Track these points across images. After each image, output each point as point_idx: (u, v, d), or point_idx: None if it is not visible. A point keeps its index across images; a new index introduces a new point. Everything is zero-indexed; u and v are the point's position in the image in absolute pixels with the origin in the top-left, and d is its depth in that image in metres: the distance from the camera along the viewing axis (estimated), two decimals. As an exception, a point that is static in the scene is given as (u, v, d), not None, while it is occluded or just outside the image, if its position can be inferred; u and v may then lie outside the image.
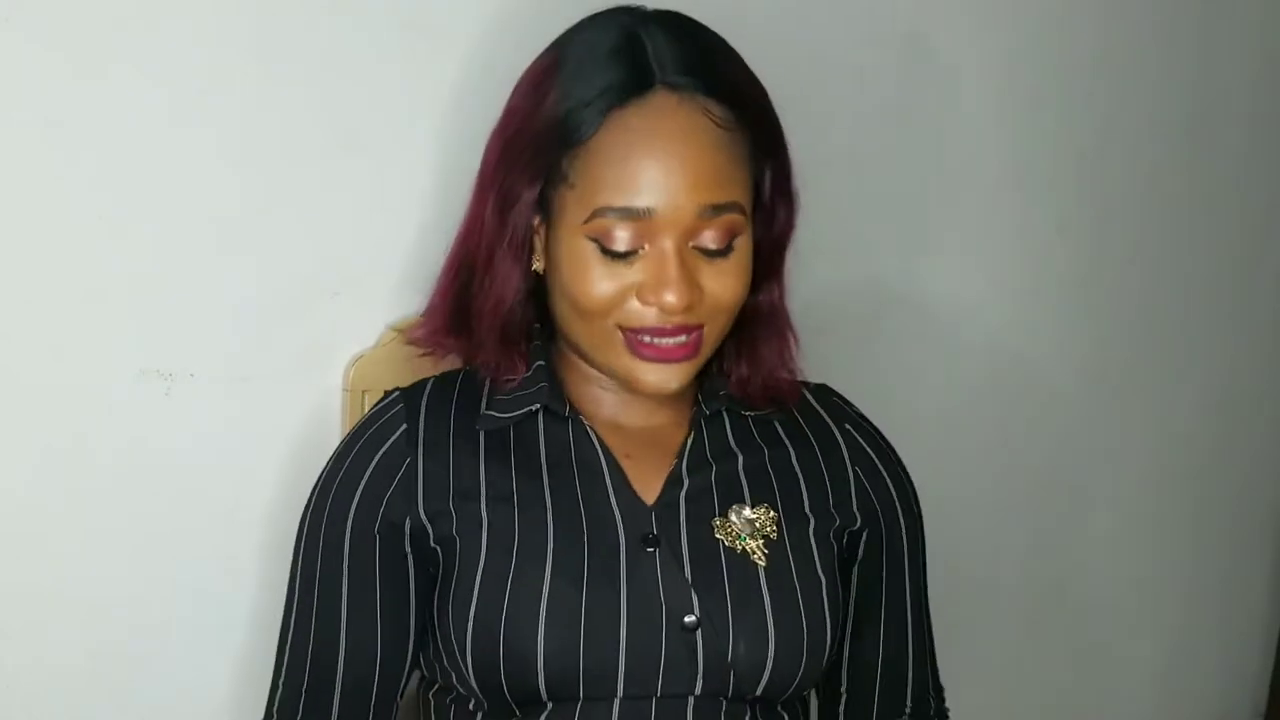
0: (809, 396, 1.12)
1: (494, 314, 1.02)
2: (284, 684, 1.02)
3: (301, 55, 1.16)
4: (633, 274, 0.95)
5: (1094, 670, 2.05)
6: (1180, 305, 2.04)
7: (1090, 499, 1.98)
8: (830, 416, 1.11)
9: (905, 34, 1.59)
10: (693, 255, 0.95)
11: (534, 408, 1.02)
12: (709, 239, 0.95)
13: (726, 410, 1.06)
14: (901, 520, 1.10)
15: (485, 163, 1.02)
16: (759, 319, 1.06)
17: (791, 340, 1.08)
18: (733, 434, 1.06)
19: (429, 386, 1.07)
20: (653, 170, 0.92)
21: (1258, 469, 2.28)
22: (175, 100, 1.10)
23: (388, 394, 1.08)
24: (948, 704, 1.15)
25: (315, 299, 1.20)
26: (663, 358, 0.96)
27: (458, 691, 1.02)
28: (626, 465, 1.01)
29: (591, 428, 1.02)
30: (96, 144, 1.07)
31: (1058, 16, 1.74)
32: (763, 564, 0.98)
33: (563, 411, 1.02)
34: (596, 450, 1.01)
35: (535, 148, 0.96)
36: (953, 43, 1.64)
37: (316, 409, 1.21)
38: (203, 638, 1.19)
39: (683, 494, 1.00)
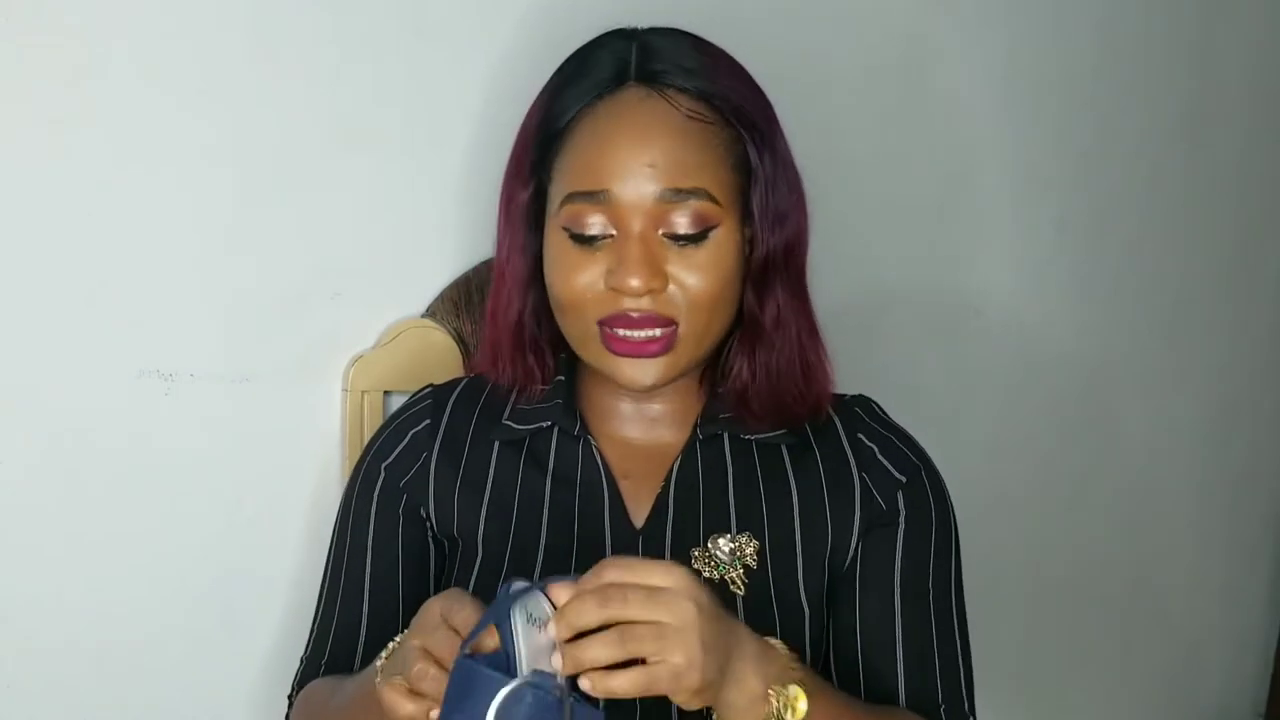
0: (830, 412, 1.06)
1: (506, 318, 1.04)
2: (308, 659, 1.05)
3: (301, 55, 1.16)
4: (602, 262, 0.95)
5: (1094, 670, 2.05)
6: (1180, 305, 2.04)
7: (1090, 498, 1.98)
8: (845, 428, 1.05)
9: (906, 36, 1.59)
10: (663, 244, 0.95)
11: (545, 424, 1.03)
12: (678, 224, 0.94)
13: (728, 433, 1.03)
14: (902, 517, 1.03)
15: (502, 183, 1.05)
16: (763, 329, 1.02)
17: (815, 355, 1.03)
18: (731, 458, 1.03)
19: (460, 386, 1.08)
20: (614, 155, 0.94)
21: (1258, 469, 2.28)
22: (175, 100, 1.10)
23: (422, 389, 1.10)
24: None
25: (315, 299, 1.20)
26: (634, 353, 0.95)
27: None
28: (624, 486, 1.02)
29: (598, 447, 1.03)
30: (96, 143, 1.07)
31: (1058, 16, 1.74)
32: (740, 593, 0.97)
33: (572, 430, 1.03)
34: (599, 470, 1.02)
35: (527, 149, 1.01)
36: (954, 44, 1.64)
37: (316, 409, 1.21)
38: (202, 637, 1.19)
39: (669, 519, 1.00)
